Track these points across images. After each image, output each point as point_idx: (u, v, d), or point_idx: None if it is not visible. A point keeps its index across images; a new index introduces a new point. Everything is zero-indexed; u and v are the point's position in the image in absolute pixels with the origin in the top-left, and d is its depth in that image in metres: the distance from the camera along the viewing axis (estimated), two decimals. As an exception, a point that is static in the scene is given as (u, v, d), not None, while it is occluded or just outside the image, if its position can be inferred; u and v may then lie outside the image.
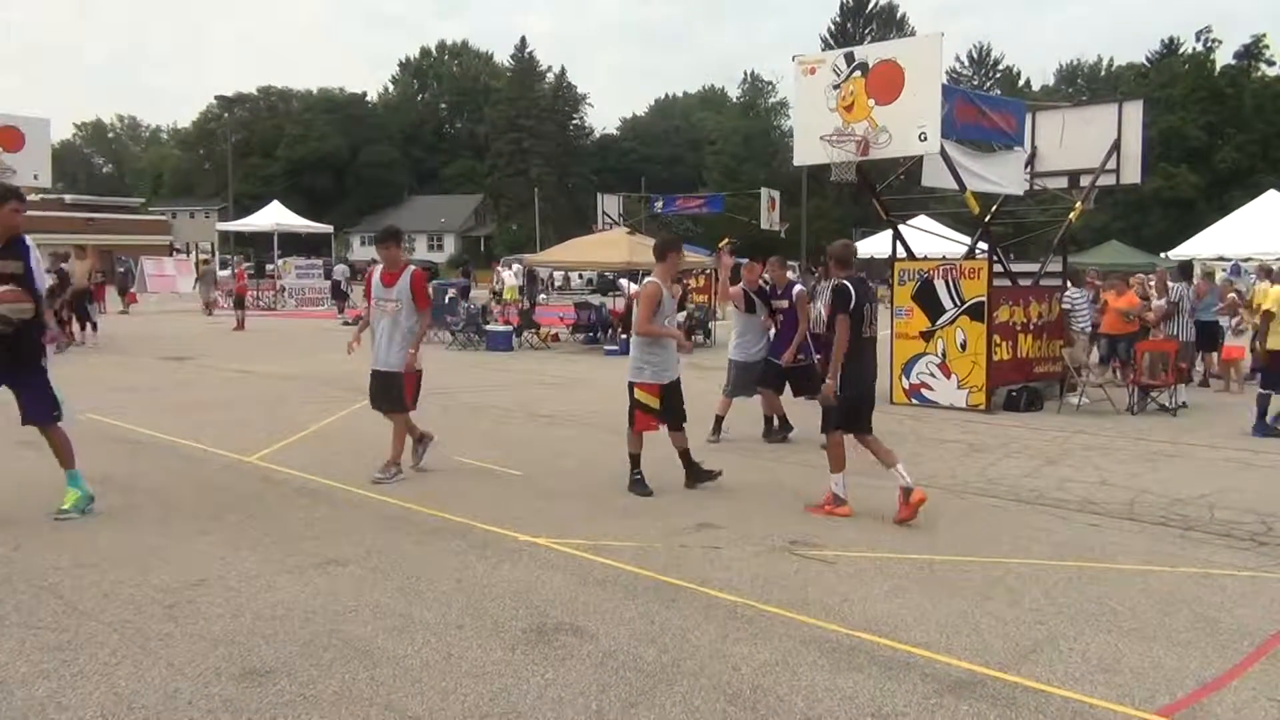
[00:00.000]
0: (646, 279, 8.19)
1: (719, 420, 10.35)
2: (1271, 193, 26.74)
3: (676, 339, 8.08)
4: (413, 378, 8.48)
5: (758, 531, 6.80)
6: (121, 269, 40.35)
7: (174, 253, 57.91)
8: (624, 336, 20.17)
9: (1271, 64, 58.83)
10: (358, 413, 11.75)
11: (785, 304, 10.51)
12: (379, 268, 8.63)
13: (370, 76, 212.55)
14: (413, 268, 8.55)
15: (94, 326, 20.66)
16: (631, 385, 7.98)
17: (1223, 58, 58.48)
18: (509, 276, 29.93)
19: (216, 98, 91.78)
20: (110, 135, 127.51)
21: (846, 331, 7.15)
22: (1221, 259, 23.16)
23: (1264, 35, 58.09)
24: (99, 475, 7.13)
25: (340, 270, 35.92)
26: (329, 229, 45.12)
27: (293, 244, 49.23)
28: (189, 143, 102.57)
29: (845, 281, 7.28)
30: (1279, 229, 23.87)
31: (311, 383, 14.53)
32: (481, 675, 4.41)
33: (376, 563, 6.01)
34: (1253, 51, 57.86)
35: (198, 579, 5.64)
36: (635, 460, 7.99)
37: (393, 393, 8.44)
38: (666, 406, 7.98)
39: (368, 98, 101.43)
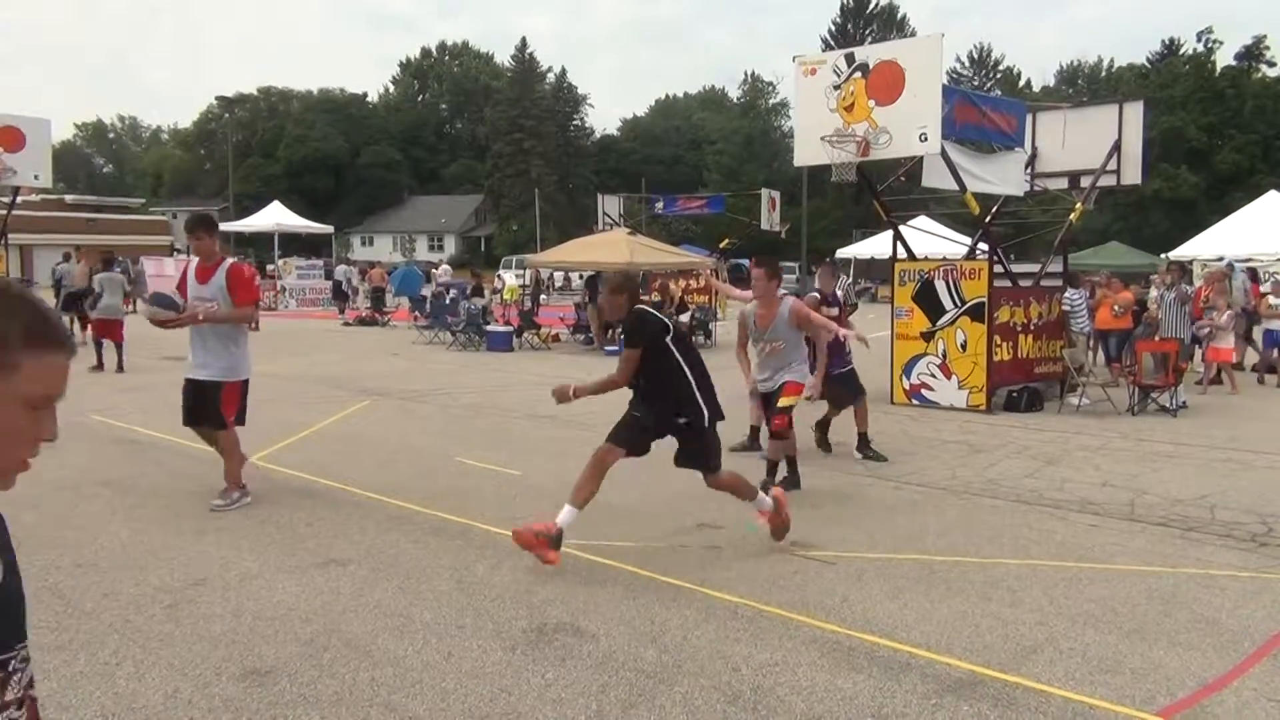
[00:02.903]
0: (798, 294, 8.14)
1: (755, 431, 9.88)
2: (1272, 193, 26.77)
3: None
4: (235, 387, 7.42)
5: (758, 532, 6.79)
6: (120, 269, 40.30)
7: (174, 253, 57.85)
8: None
9: (1272, 65, 58.95)
10: (358, 413, 11.76)
11: (835, 311, 10.17)
12: (194, 262, 7.55)
13: (371, 77, 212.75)
14: (230, 261, 7.48)
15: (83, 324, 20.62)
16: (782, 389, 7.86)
17: (1224, 59, 58.58)
18: (510, 277, 29.95)
19: (217, 98, 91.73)
20: (111, 135, 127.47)
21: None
22: (1222, 259, 23.16)
23: (1265, 36, 58.25)
24: (100, 477, 7.14)
25: (342, 271, 35.92)
26: (329, 229, 45.15)
27: (293, 244, 49.25)
28: (189, 143, 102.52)
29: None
30: (1278, 230, 23.92)
31: (312, 383, 14.53)
32: (481, 675, 4.41)
33: (377, 563, 6.01)
34: (1253, 52, 57.96)
35: (198, 579, 5.64)
36: (773, 473, 7.90)
37: (210, 407, 7.36)
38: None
39: (368, 98, 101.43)
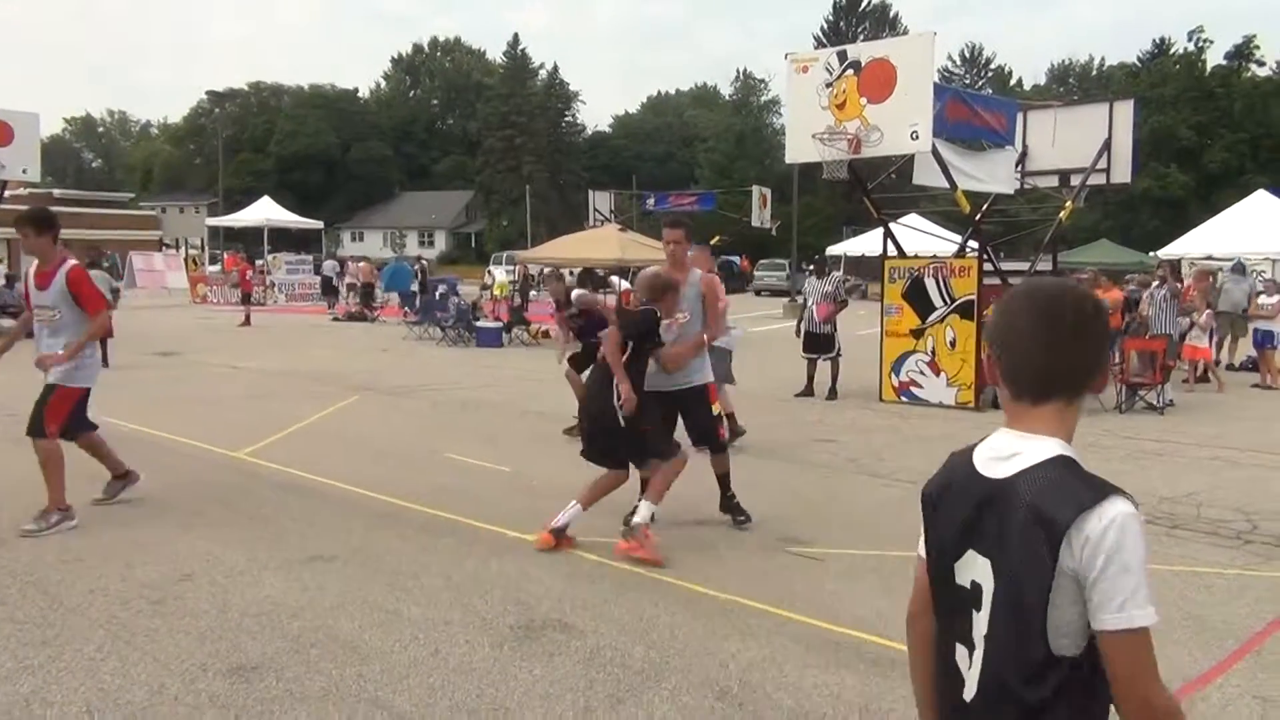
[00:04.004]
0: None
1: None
2: (1261, 193, 26.83)
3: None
4: (69, 395, 6.59)
5: (748, 529, 6.80)
6: (107, 264, 40.13)
7: (164, 248, 57.64)
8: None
9: (1262, 64, 59.06)
10: (346, 409, 11.74)
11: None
12: (34, 265, 6.69)
13: (363, 72, 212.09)
14: (70, 264, 6.60)
15: None
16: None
17: (1214, 58, 58.68)
18: (500, 273, 29.91)
19: (207, 93, 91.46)
20: (100, 130, 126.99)
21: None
22: (1211, 258, 23.24)
23: (1254, 36, 58.31)
24: (87, 471, 7.10)
25: (330, 266, 35.81)
26: (319, 224, 44.99)
27: (283, 239, 49.08)
28: (179, 138, 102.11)
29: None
30: (1268, 229, 24.01)
31: (300, 378, 14.49)
32: (469, 671, 4.40)
33: (364, 559, 6.00)
34: (1243, 52, 58.04)
35: (184, 574, 5.62)
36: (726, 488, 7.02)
37: (36, 411, 6.51)
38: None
39: (359, 94, 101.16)
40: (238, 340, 21.16)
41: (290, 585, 5.49)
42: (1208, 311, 15.08)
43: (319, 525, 6.72)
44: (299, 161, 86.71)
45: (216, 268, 44.35)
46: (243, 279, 28.86)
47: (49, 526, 6.37)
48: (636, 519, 6.16)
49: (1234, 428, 11.44)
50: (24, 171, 19.76)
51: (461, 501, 7.38)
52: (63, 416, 6.54)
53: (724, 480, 6.96)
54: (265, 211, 40.24)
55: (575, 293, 10.87)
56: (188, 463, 8.74)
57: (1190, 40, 59.17)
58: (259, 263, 37.91)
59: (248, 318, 25.24)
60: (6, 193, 21.73)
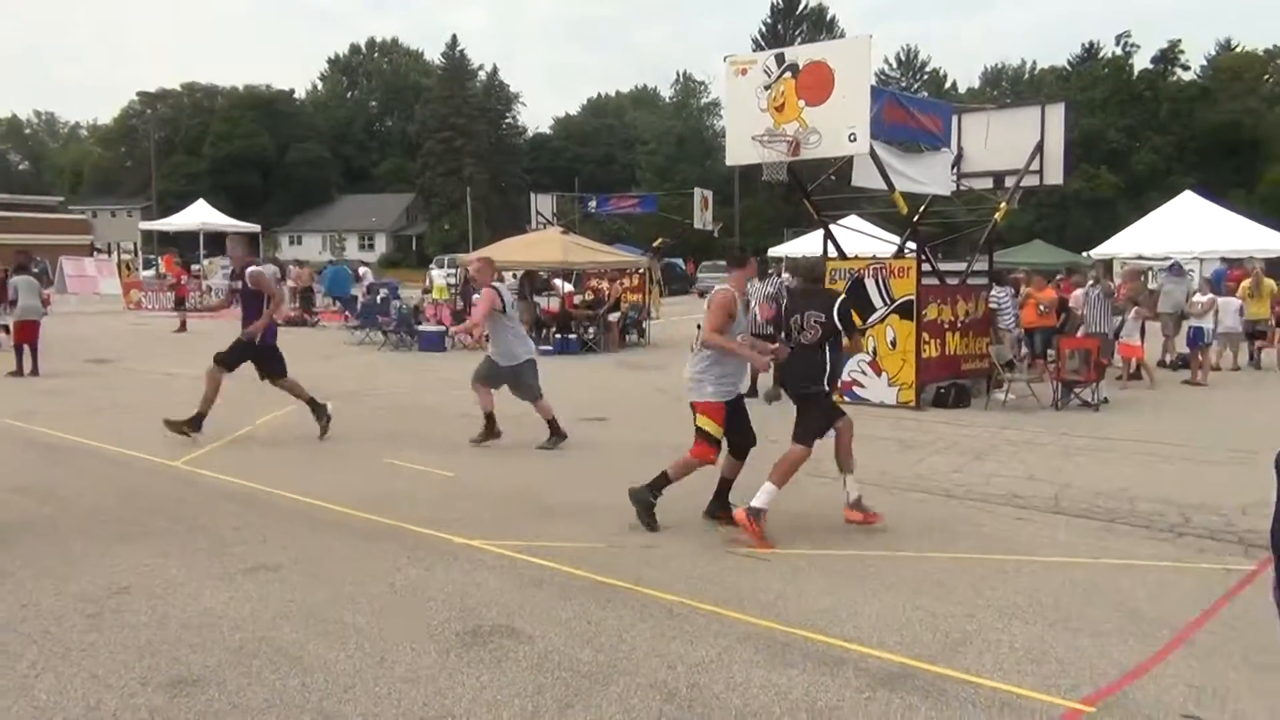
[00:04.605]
0: (719, 286, 7.20)
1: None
2: (1188, 193, 27.59)
3: (743, 354, 7.09)
4: None
5: (693, 530, 6.82)
6: (37, 269, 39.14)
7: (95, 253, 56.38)
8: (558, 336, 20.12)
9: (1186, 69, 60.70)
10: (286, 415, 11.56)
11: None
12: None
13: (299, 74, 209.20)
14: None
15: (5, 330, 20.01)
16: (692, 405, 7.02)
17: (1141, 62, 60.17)
18: (438, 276, 29.71)
19: (139, 94, 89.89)
20: (27, 132, 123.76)
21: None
22: (1141, 257, 23.82)
23: (1179, 41, 59.91)
24: (14, 483, 6.92)
25: (270, 270, 35.27)
26: (256, 228, 44.26)
27: (219, 244, 48.27)
28: (110, 140, 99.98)
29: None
30: (1195, 229, 24.69)
31: (239, 385, 14.24)
32: (416, 680, 4.36)
33: (307, 568, 5.92)
34: (1169, 56, 59.59)
35: (121, 587, 5.50)
36: (661, 487, 6.99)
37: None
38: (731, 426, 7.02)
39: (296, 95, 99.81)
40: (173, 346, 20.76)
41: (231, 596, 5.40)
42: (1135, 309, 15.48)
43: (260, 534, 6.61)
44: (234, 164, 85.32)
45: (150, 273, 43.43)
46: (178, 284, 28.38)
47: None
48: (758, 503, 6.52)
49: (1166, 423, 11.73)
50: (-52, 175, 19.20)
51: (404, 507, 7.31)
52: None
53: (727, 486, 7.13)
54: (201, 215, 39.53)
55: (250, 269, 10.81)
56: (124, 472, 8.55)
57: (1118, 44, 60.66)
58: (194, 267, 37.24)
59: (183, 323, 24.78)
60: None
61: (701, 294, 45.98)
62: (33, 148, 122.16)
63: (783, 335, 7.24)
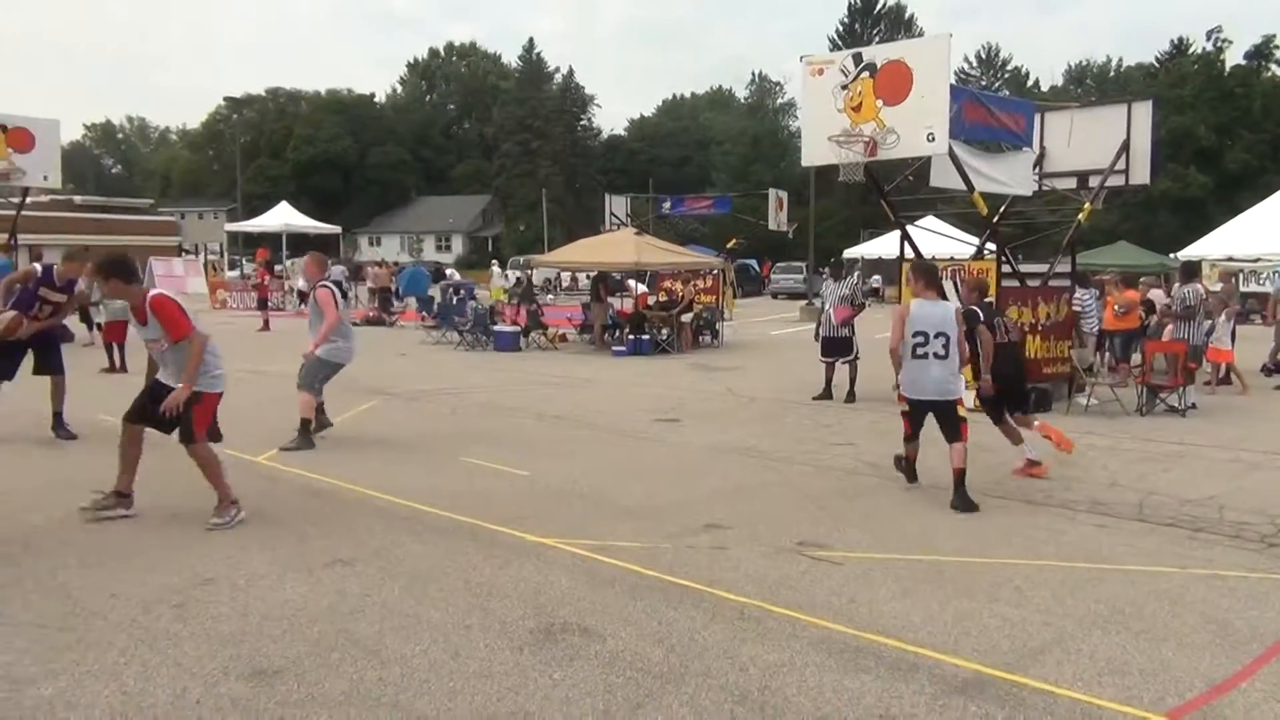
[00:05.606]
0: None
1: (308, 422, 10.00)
2: (1281, 193, 26.63)
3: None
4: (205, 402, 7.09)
5: (765, 532, 6.79)
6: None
7: (183, 253, 58.02)
8: (632, 337, 20.17)
9: (1281, 64, 58.64)
10: (365, 413, 11.77)
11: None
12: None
13: (379, 77, 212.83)
14: (152, 293, 6.86)
15: (98, 327, 20.68)
16: (956, 402, 8.08)
17: (1233, 58, 58.30)
18: (497, 276, 29.95)
19: (225, 99, 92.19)
20: (119, 136, 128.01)
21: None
22: (1231, 259, 23.07)
23: (1274, 35, 57.91)
24: (106, 478, 7.14)
25: (338, 271, 35.84)
26: (337, 229, 45.24)
27: (301, 245, 49.38)
28: (198, 144, 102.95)
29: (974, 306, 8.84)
30: (1289, 229, 23.79)
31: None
32: (489, 675, 4.41)
33: (384, 562, 6.02)
34: (1263, 52, 57.66)
35: (205, 579, 5.65)
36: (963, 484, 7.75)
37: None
38: (917, 423, 8.25)
39: (376, 99, 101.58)
40: (258, 345, 21.27)
41: (311, 589, 5.51)
42: (1224, 310, 14.98)
43: (338, 529, 6.75)
44: (316, 166, 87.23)
45: (236, 273, 44.54)
46: (261, 284, 29.06)
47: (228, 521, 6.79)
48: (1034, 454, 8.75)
49: (1257, 430, 11.35)
50: (45, 178, 19.95)
51: (480, 505, 7.39)
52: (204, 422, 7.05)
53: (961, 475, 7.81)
54: (283, 217, 40.46)
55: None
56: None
57: (1209, 40, 58.90)
58: (277, 268, 38.07)
59: (266, 322, 25.39)
60: (28, 199, 21.89)
61: (775, 296, 45.81)
62: (125, 151, 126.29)
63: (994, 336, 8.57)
